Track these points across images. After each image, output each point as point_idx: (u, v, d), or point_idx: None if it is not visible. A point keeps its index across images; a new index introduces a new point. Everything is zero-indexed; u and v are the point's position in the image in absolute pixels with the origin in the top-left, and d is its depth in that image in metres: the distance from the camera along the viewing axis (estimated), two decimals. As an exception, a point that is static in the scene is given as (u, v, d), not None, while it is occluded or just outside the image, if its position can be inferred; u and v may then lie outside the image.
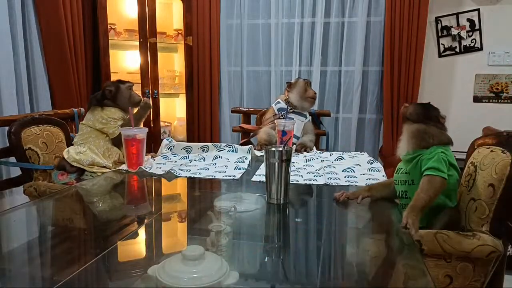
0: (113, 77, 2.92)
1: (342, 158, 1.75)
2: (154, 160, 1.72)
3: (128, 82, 1.88)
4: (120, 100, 1.82)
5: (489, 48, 2.90)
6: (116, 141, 1.80)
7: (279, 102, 2.05)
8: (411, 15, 2.82)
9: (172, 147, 1.86)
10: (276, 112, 2.01)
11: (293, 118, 1.92)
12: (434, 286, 0.74)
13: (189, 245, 0.70)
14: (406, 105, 1.31)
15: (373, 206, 1.25)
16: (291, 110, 1.97)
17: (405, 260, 0.89)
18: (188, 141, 3.18)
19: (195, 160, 1.70)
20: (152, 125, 3.08)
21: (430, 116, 1.25)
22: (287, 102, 2.00)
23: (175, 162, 1.70)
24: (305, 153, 1.85)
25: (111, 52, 2.94)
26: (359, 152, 1.90)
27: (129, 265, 0.88)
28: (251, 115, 2.67)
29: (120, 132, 1.72)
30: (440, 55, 2.98)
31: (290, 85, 2.04)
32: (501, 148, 1.23)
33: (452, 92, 2.97)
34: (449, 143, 1.21)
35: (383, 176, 1.48)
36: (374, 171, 1.55)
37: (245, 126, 2.52)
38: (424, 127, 1.23)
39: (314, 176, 1.47)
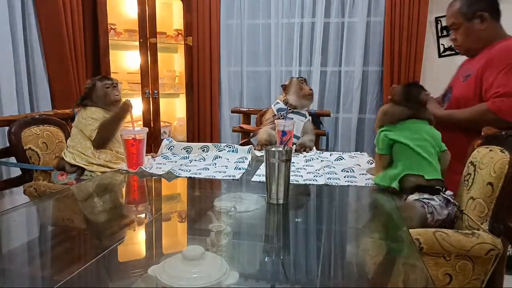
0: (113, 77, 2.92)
1: (342, 158, 1.75)
2: (154, 160, 1.72)
3: (111, 79, 1.76)
4: (96, 99, 1.74)
5: (489, 48, 2.89)
6: (97, 144, 1.69)
7: (278, 103, 2.05)
8: (411, 15, 2.82)
9: (172, 147, 1.86)
10: (276, 113, 2.01)
11: (292, 118, 1.92)
12: (434, 285, 0.74)
13: (189, 245, 0.70)
14: (394, 86, 1.45)
15: (373, 206, 1.25)
16: (290, 110, 1.97)
17: (405, 259, 0.89)
18: (188, 141, 3.19)
19: (195, 160, 1.71)
20: (152, 125, 3.08)
21: (409, 97, 1.38)
22: (286, 102, 2.00)
23: (175, 162, 1.70)
24: (305, 153, 1.85)
25: (111, 52, 2.94)
26: (359, 152, 1.90)
27: (129, 265, 0.88)
28: (251, 115, 2.67)
29: (99, 135, 1.67)
30: (440, 55, 2.98)
31: (285, 87, 2.05)
32: (500, 148, 1.23)
33: (452, 92, 2.97)
34: (402, 119, 1.35)
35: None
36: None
37: (245, 126, 2.52)
38: (385, 107, 1.42)
39: (314, 176, 1.47)
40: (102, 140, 1.68)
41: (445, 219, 1.23)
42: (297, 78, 2.05)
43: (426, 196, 1.26)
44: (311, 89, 2.01)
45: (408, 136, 1.33)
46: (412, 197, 1.28)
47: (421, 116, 1.37)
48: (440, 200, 1.24)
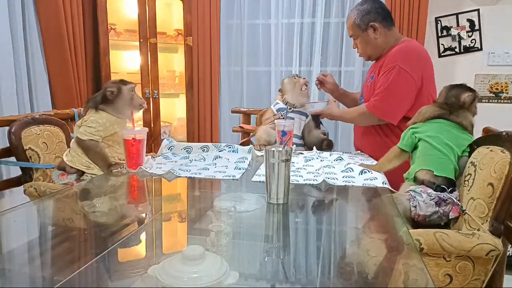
0: (113, 78, 2.92)
1: (341, 159, 1.74)
2: (154, 160, 1.71)
3: (130, 82, 1.70)
4: (120, 103, 1.64)
5: (489, 48, 2.90)
6: (78, 144, 1.62)
7: (277, 103, 2.04)
8: (411, 15, 2.82)
9: (172, 147, 1.86)
10: (276, 113, 2.01)
11: (293, 118, 1.91)
12: (434, 286, 0.74)
13: (189, 245, 0.70)
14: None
15: (373, 206, 1.25)
16: (290, 110, 1.96)
17: (405, 259, 0.89)
18: (188, 141, 3.19)
19: (195, 160, 1.70)
20: (152, 125, 3.08)
21: (448, 96, 1.41)
22: (286, 102, 1.99)
23: (175, 162, 1.70)
24: (305, 153, 1.85)
25: (111, 52, 2.94)
26: (358, 152, 1.90)
27: (129, 265, 0.88)
28: (251, 115, 2.67)
29: (89, 140, 1.60)
30: (440, 55, 2.99)
31: (281, 90, 2.05)
32: (500, 148, 1.23)
33: (452, 92, 2.97)
34: (430, 118, 1.41)
35: (381, 175, 1.48)
36: (372, 171, 1.55)
37: (245, 126, 2.52)
38: (423, 107, 1.47)
39: (314, 176, 1.47)
40: (85, 149, 1.63)
41: (429, 216, 1.26)
42: (288, 77, 2.04)
43: (417, 190, 1.28)
44: (304, 78, 2.01)
45: (430, 134, 1.37)
46: (404, 188, 1.32)
47: (451, 119, 1.38)
48: (430, 197, 1.25)
